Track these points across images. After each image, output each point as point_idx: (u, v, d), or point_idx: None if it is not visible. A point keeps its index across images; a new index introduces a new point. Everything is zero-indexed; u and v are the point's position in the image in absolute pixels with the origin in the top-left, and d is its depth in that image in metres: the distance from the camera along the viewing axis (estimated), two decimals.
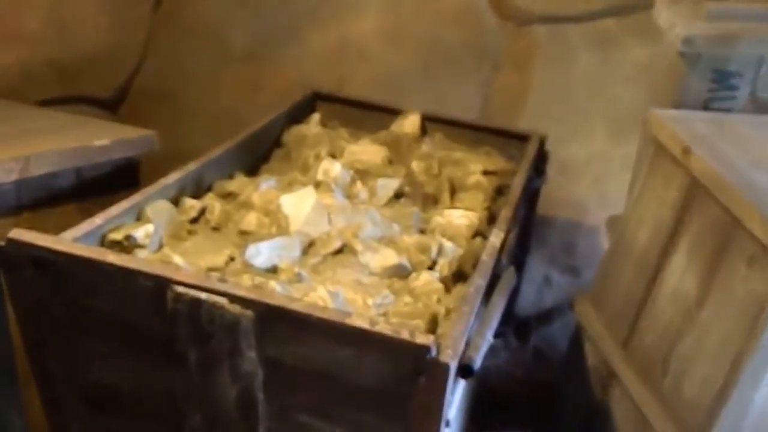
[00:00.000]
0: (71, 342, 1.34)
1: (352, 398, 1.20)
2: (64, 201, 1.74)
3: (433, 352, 1.14)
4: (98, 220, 1.43)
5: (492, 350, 1.33)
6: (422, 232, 1.70)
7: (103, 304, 1.29)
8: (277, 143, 2.05)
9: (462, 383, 1.26)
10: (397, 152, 2.00)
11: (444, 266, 1.53)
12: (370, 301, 1.37)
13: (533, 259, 2.41)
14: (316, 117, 2.17)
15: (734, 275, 1.43)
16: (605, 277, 1.94)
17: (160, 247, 1.50)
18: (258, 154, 1.97)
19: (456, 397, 1.24)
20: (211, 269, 1.43)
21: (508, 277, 1.54)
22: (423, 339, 1.15)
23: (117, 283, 1.26)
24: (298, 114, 2.16)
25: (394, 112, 2.18)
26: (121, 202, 1.50)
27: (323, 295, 1.34)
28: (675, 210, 1.65)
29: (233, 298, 1.20)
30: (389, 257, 1.52)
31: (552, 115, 2.36)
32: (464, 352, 1.21)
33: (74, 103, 2.50)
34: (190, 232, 1.58)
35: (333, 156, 1.94)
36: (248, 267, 1.46)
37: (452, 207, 1.80)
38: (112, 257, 1.27)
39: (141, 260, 1.34)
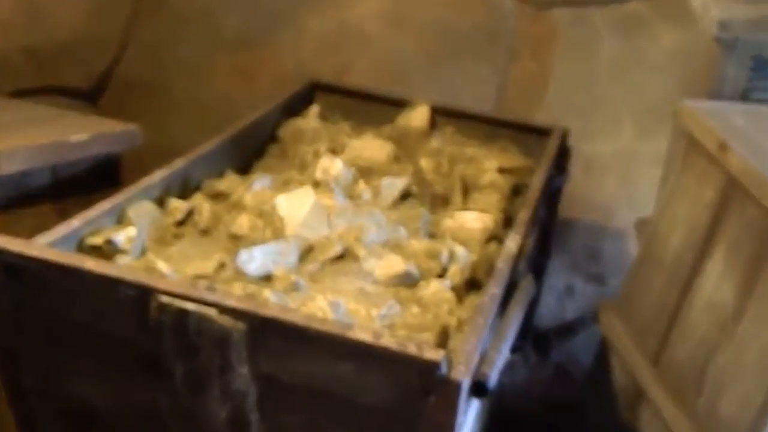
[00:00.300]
0: (46, 355, 1.34)
1: (354, 419, 1.20)
2: (38, 202, 1.75)
3: (444, 369, 1.14)
4: (75, 222, 1.43)
5: (508, 366, 1.34)
6: (431, 236, 1.70)
7: (81, 314, 1.30)
8: (272, 138, 2.04)
9: (475, 403, 1.26)
10: (404, 148, 2.00)
11: (455, 274, 1.53)
12: (374, 312, 1.37)
13: (554, 265, 2.40)
14: (314, 109, 2.16)
15: None
16: (633, 285, 1.94)
17: (143, 252, 1.50)
18: (251, 150, 1.97)
19: (469, 418, 1.25)
20: (199, 277, 1.43)
21: (527, 285, 1.55)
22: (432, 354, 1.15)
23: (96, 292, 1.27)
24: (295, 106, 2.16)
25: (400, 104, 2.17)
26: (100, 202, 1.50)
27: (322, 306, 1.34)
28: (710, 211, 1.65)
29: (223, 309, 1.20)
30: (395, 264, 1.52)
31: (574, 107, 2.37)
32: (478, 369, 1.21)
33: (50, 93, 2.51)
34: (177, 236, 1.58)
35: (333, 152, 1.93)
36: (240, 274, 1.46)
37: (464, 208, 1.80)
38: (91, 264, 1.28)
39: (122, 267, 1.34)
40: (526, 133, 2.09)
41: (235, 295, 1.26)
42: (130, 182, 1.60)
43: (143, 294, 1.23)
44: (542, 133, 2.06)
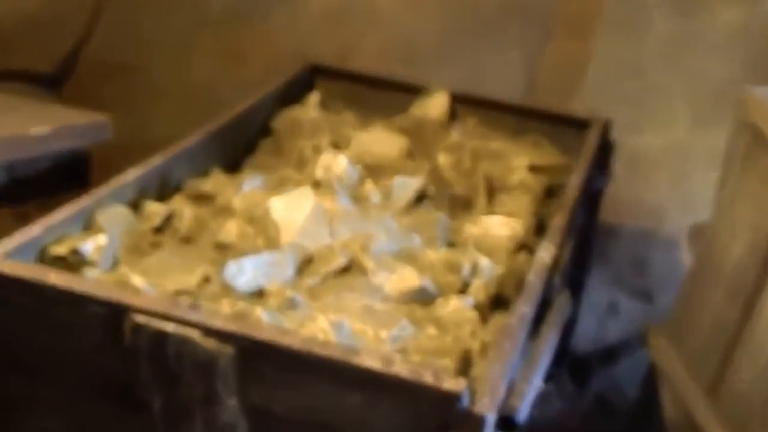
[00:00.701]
0: (3, 383, 1.36)
1: None
2: None
3: (466, 401, 1.15)
4: (36, 229, 1.44)
5: (541, 397, 1.35)
6: (451, 245, 1.72)
7: (43, 336, 1.30)
8: (265, 131, 2.06)
9: None
10: (419, 142, 2.00)
11: (479, 289, 1.54)
12: (383, 334, 1.38)
13: (594, 280, 2.42)
14: (314, 97, 2.18)
15: None
16: (687, 303, 1.95)
17: (115, 264, 1.52)
18: (240, 145, 1.99)
19: None
20: (180, 292, 1.45)
21: (562, 303, 1.60)
22: (452, 384, 1.16)
23: (61, 310, 1.28)
24: (292, 93, 2.18)
25: (414, 91, 2.19)
26: (65, 206, 1.51)
27: (324, 327, 1.35)
28: None
29: (208, 331, 1.21)
30: (408, 278, 1.53)
31: (619, 94, 2.39)
32: (505, 401, 1.22)
33: (8, 79, 2.53)
34: (154, 245, 1.60)
35: (336, 147, 1.95)
36: (227, 290, 1.47)
37: (490, 213, 1.81)
38: (54, 277, 1.29)
39: (91, 281, 1.36)
40: (561, 125, 2.10)
41: (221, 315, 1.28)
42: (99, 182, 1.60)
43: (115, 313, 1.24)
44: (580, 125, 2.08)
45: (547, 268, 1.52)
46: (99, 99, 2.33)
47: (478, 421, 1.14)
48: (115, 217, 1.56)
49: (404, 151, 1.98)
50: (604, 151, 2.07)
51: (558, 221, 1.67)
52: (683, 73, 2.35)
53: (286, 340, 1.21)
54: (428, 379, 1.16)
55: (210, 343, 1.21)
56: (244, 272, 1.50)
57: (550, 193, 1.92)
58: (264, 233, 1.62)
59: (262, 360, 1.21)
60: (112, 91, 2.55)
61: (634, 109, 2.37)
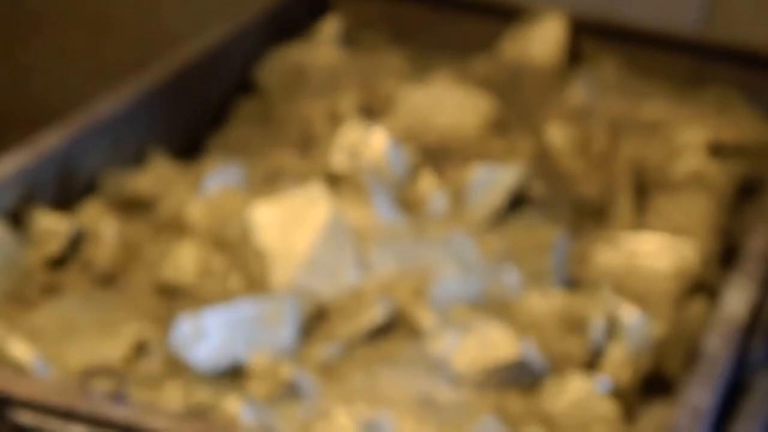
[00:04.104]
0: None
1: None
2: None
3: None
4: None
5: None
6: (572, 284, 1.53)
7: None
8: (244, 86, 1.91)
9: None
10: (516, 106, 1.81)
11: (620, 363, 1.37)
12: None
13: None
14: (330, 26, 1.99)
15: None
16: None
17: None
18: (201, 111, 1.83)
19: None
20: (94, 372, 1.29)
21: None
22: None
23: None
24: (291, 19, 2.00)
25: (507, 14, 1.99)
26: None
27: (348, 429, 1.21)
28: None
29: None
30: (495, 344, 1.36)
31: None
32: None
33: None
34: (50, 289, 1.43)
35: (370, 114, 1.75)
36: (177, 367, 1.30)
37: (639, 228, 1.63)
38: None
39: None
40: (764, 71, 1.93)
41: (166, 412, 1.16)
42: None
43: None
44: None
45: (742, 324, 1.34)
46: None
47: None
48: None
49: (489, 120, 1.77)
50: None
51: (760, 242, 1.47)
52: None
53: None
54: None
55: None
56: (208, 336, 1.33)
57: (747, 191, 1.73)
58: (242, 267, 1.44)
59: None
60: None
61: None
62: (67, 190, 1.57)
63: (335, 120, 1.73)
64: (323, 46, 1.96)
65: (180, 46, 1.79)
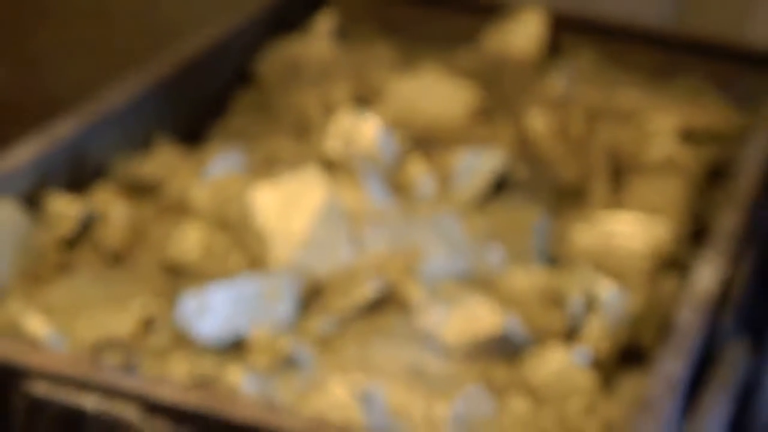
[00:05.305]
0: None
1: None
2: None
3: None
4: None
5: None
6: (552, 261, 1.58)
7: None
8: (244, 77, 1.96)
9: None
10: (499, 95, 1.87)
11: (598, 335, 1.40)
12: (441, 411, 1.26)
13: None
14: (325, 20, 2.04)
15: None
16: None
17: (1, 297, 1.42)
18: (203, 101, 1.89)
19: None
20: (105, 345, 1.33)
21: (736, 357, 1.49)
22: None
23: None
24: (288, 14, 2.06)
25: (490, 9, 2.05)
26: None
27: (343, 399, 1.24)
28: None
29: (151, 407, 1.11)
30: (481, 317, 1.40)
31: None
32: None
33: None
34: (63, 268, 1.49)
35: (363, 103, 1.82)
36: (183, 340, 1.35)
37: (615, 208, 1.67)
38: None
39: None
40: (732, 63, 1.97)
41: (173, 382, 1.20)
42: None
43: (1, 378, 1.16)
44: (762, 62, 1.99)
45: (712, 299, 1.38)
46: None
47: None
48: None
49: (474, 108, 1.84)
50: None
51: (729, 222, 1.51)
52: None
53: (280, 422, 1.11)
54: None
55: (154, 428, 1.12)
56: (211, 311, 1.38)
57: (716, 175, 1.77)
58: (243, 246, 1.50)
59: None
60: None
61: None
62: (78, 175, 1.62)
63: (329, 109, 1.79)
64: (318, 40, 2.00)
65: (182, 37, 1.82)
